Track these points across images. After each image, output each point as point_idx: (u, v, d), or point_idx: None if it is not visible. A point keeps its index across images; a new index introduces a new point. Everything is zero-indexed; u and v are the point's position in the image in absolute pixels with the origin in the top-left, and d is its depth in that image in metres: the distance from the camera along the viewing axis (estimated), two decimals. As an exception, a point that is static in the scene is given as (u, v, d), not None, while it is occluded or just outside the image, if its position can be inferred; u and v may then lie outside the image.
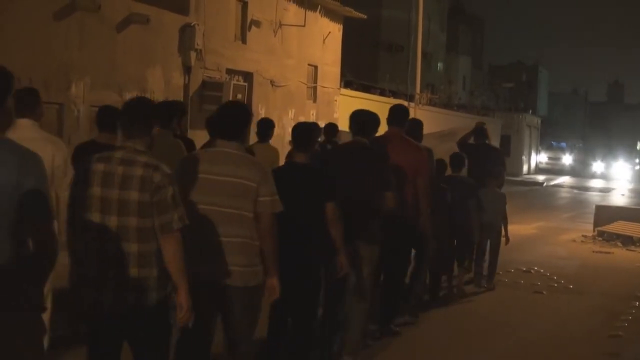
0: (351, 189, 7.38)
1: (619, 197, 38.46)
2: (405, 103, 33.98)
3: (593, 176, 60.05)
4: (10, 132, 5.46)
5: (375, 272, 8.05)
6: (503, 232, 12.55)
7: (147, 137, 4.99)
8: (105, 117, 7.58)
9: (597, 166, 66.27)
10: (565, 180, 53.50)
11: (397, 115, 8.90)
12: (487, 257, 12.57)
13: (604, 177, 60.39)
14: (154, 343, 5.03)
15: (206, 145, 7.89)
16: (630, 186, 49.11)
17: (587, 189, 44.61)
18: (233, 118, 5.80)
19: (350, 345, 7.80)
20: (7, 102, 3.95)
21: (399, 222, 8.28)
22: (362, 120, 8.00)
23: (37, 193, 3.84)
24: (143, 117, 5.02)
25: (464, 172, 12.02)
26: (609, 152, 71.78)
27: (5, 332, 3.82)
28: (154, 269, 4.87)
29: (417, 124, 10.04)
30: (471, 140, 13.27)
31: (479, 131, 13.30)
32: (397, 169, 8.12)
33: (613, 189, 45.19)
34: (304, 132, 7.06)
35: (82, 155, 6.48)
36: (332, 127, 13.02)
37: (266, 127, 10.45)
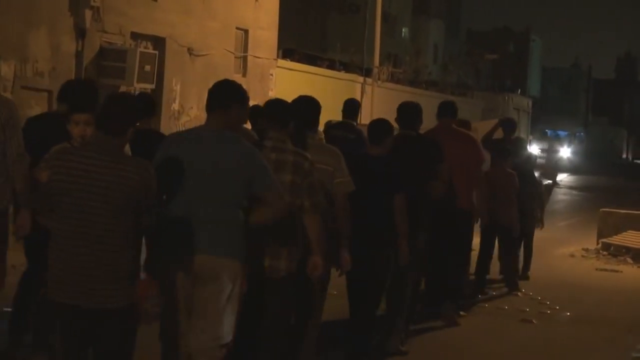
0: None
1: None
2: (360, 79, 34.21)
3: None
4: None
5: (420, 260, 10.04)
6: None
7: (286, 129, 7.34)
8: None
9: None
10: (562, 178, 53.99)
11: (448, 107, 11.76)
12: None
13: None
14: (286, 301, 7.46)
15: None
16: None
17: (590, 189, 45.00)
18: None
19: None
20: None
21: (451, 210, 10.88)
22: (409, 112, 10.22)
23: (264, 176, 6.59)
24: (281, 112, 7.41)
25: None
26: None
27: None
28: (294, 240, 7.29)
29: None
30: (497, 135, 15.25)
31: (508, 124, 15.59)
32: (449, 160, 10.38)
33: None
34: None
35: None
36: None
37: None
